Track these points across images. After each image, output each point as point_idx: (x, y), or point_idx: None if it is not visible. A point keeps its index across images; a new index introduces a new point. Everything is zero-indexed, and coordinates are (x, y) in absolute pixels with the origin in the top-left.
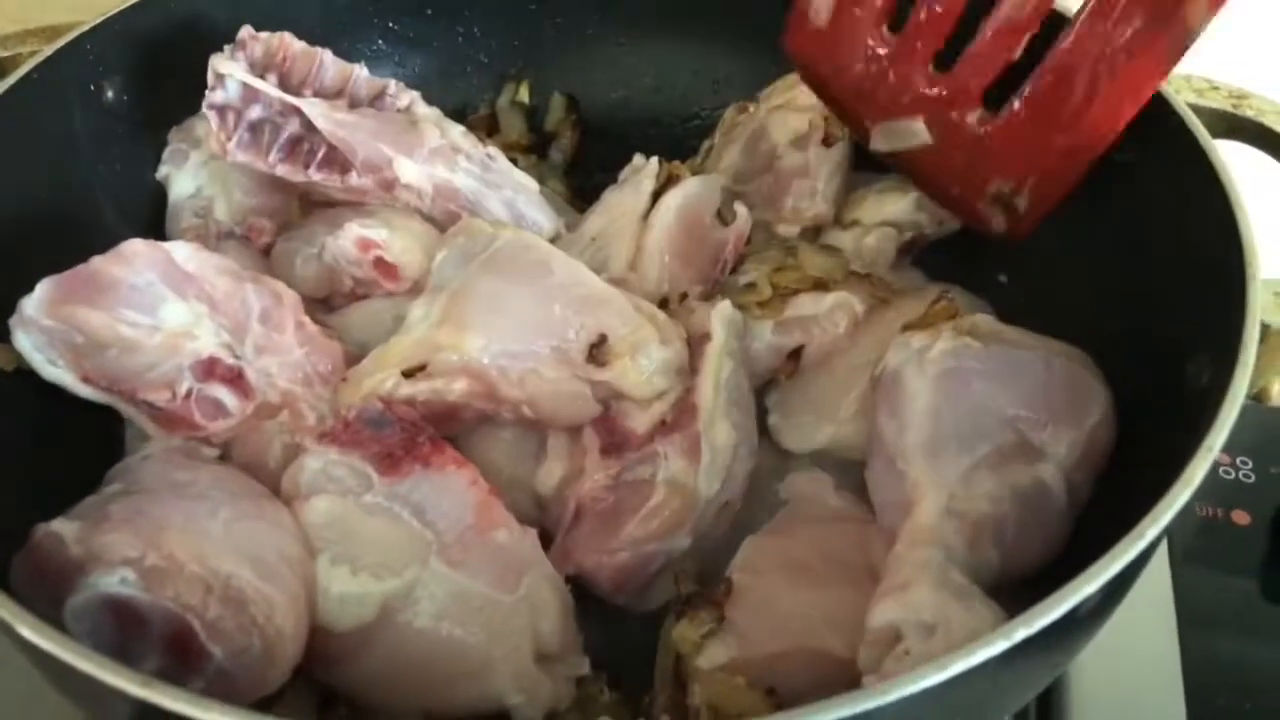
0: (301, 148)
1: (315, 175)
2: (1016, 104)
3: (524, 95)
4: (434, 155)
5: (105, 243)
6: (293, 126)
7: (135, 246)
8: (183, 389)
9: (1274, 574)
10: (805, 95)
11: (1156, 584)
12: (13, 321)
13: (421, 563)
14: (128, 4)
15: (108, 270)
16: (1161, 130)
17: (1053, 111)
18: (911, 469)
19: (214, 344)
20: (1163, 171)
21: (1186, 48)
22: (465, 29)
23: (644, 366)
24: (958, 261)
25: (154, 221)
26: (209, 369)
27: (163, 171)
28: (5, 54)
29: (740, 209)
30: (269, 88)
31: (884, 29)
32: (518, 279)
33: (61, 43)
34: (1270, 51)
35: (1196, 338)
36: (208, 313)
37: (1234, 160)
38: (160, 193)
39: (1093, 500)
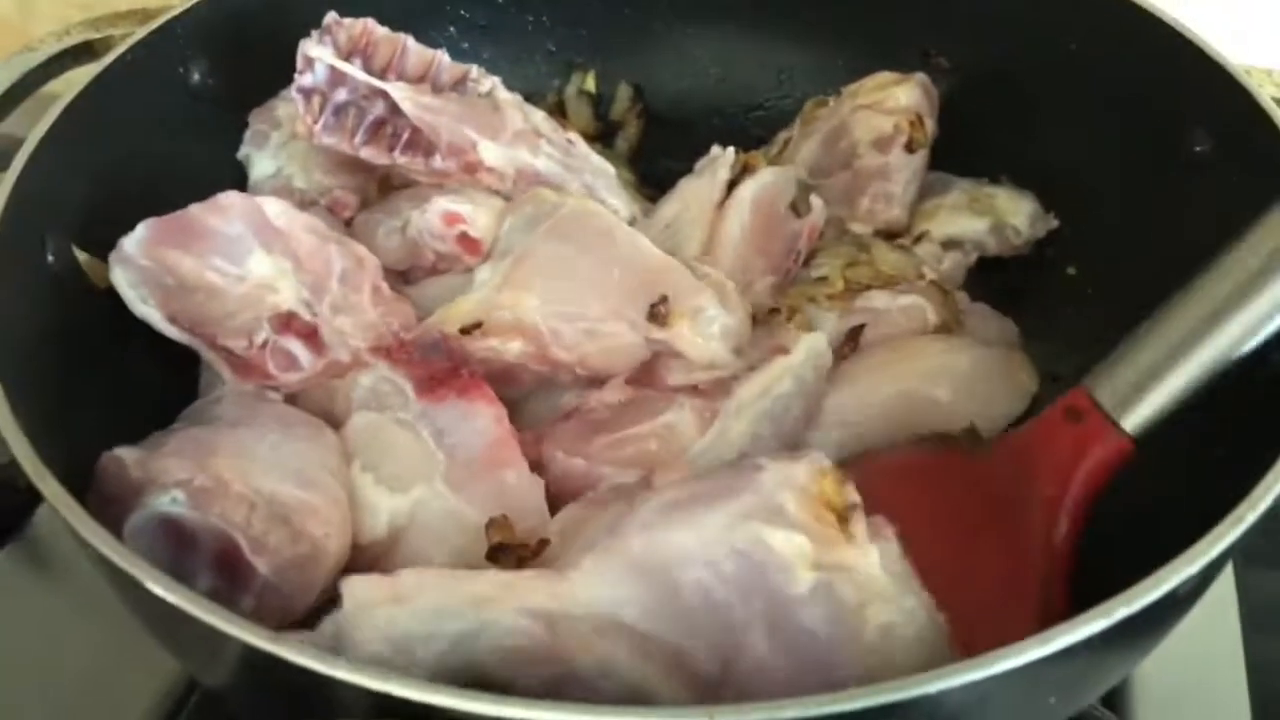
0: (386, 131)
1: (399, 158)
2: None
3: (590, 84)
4: (516, 139)
5: None
6: (378, 110)
7: (231, 198)
8: (259, 339)
9: None
10: (894, 98)
11: (1219, 583)
12: (112, 257)
13: (427, 481)
14: None
15: (203, 218)
16: (1241, 123)
17: None
18: None
19: (294, 299)
20: (1240, 164)
21: None
22: (535, 18)
23: (705, 328)
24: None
25: None
26: (286, 323)
27: (243, 152)
28: (98, 36)
29: (816, 201)
30: (356, 71)
31: None
32: (580, 245)
33: (154, 25)
34: None
35: None
36: (291, 268)
37: None
38: (244, 175)
39: (1188, 484)
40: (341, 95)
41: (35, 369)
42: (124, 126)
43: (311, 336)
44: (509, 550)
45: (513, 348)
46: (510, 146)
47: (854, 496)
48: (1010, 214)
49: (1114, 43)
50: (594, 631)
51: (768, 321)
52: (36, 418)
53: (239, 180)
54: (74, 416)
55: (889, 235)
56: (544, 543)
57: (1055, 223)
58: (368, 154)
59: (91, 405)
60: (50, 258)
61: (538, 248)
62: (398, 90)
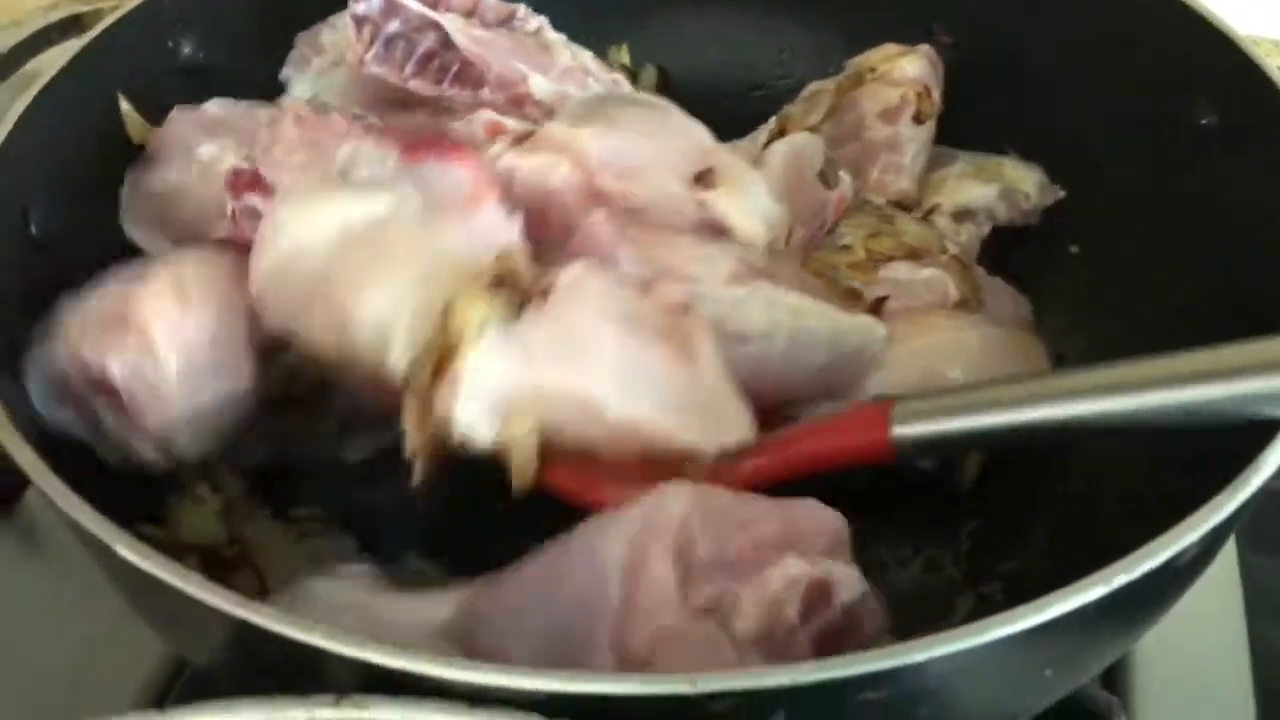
0: (434, 63)
1: (448, 90)
2: None
3: (625, 58)
4: (565, 75)
5: None
6: (428, 42)
7: (171, 115)
8: (229, 211)
9: None
10: (900, 69)
11: (1223, 568)
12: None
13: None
14: None
15: (154, 145)
16: (1248, 95)
17: None
18: None
19: (234, 159)
20: (1246, 137)
21: None
22: None
23: (748, 202)
24: (1027, 229)
25: None
26: (234, 182)
27: (285, 73)
28: (86, 9)
29: (844, 175)
30: (411, 1)
31: None
32: (638, 117)
33: None
34: None
35: None
36: (233, 144)
37: None
38: None
39: (1191, 452)
40: (394, 26)
41: (15, 340)
42: (112, 100)
43: (256, 183)
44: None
45: (560, 171)
46: (559, 82)
47: None
48: (1018, 181)
49: (1118, 14)
50: None
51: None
52: (15, 388)
53: None
54: None
55: (899, 207)
56: (544, 294)
57: (1062, 193)
58: (416, 85)
59: None
60: (33, 229)
61: (596, 115)
62: (451, 21)
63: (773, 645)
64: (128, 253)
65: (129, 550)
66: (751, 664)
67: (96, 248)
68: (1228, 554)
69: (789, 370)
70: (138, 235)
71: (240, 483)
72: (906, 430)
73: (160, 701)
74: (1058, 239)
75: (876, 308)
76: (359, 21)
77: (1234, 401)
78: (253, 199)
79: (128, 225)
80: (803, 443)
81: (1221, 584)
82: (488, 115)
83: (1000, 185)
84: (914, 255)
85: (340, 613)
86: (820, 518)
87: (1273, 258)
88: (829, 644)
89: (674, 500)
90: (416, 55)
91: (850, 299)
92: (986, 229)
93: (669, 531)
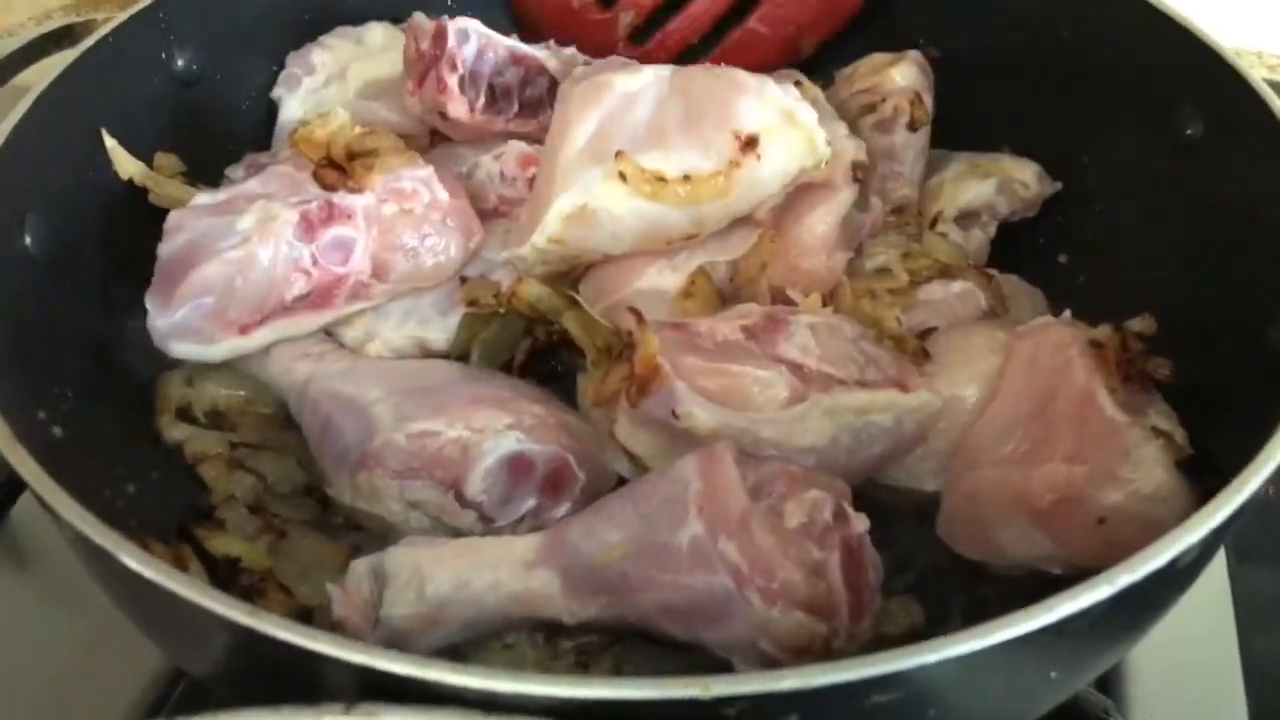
0: (512, 99)
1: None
2: None
3: None
4: None
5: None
6: (538, 88)
7: (173, 218)
8: (306, 261)
9: None
10: (890, 80)
11: (1214, 579)
12: (157, 341)
13: None
14: None
15: (172, 243)
16: (1232, 104)
17: None
18: None
19: (293, 206)
20: (1232, 146)
21: None
22: None
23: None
24: (1016, 242)
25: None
26: (305, 225)
27: (276, 93)
28: (79, 19)
29: (875, 200)
30: (514, 42)
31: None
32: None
33: (136, 9)
34: None
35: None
36: (274, 199)
37: None
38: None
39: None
40: (489, 68)
41: (11, 351)
42: (106, 111)
43: (332, 215)
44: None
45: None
46: None
47: None
48: (1015, 173)
49: (1105, 28)
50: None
51: (895, 348)
52: (12, 397)
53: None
54: (51, 396)
55: (896, 212)
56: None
57: (1059, 184)
58: (514, 125)
59: (69, 384)
60: (28, 239)
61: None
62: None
63: (812, 539)
64: (122, 267)
65: (132, 558)
66: (800, 553)
67: (91, 258)
68: (1218, 563)
69: (852, 462)
70: (186, 349)
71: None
72: None
73: (153, 715)
74: (1046, 253)
75: (924, 337)
76: (455, 71)
77: None
78: (330, 231)
79: (174, 345)
80: None
81: (1212, 592)
82: (520, 148)
83: (998, 179)
84: (946, 273)
85: (439, 548)
86: (831, 478)
87: (1259, 261)
88: (850, 570)
89: (721, 448)
90: (523, 99)
91: (897, 343)
92: (992, 229)
93: (727, 452)
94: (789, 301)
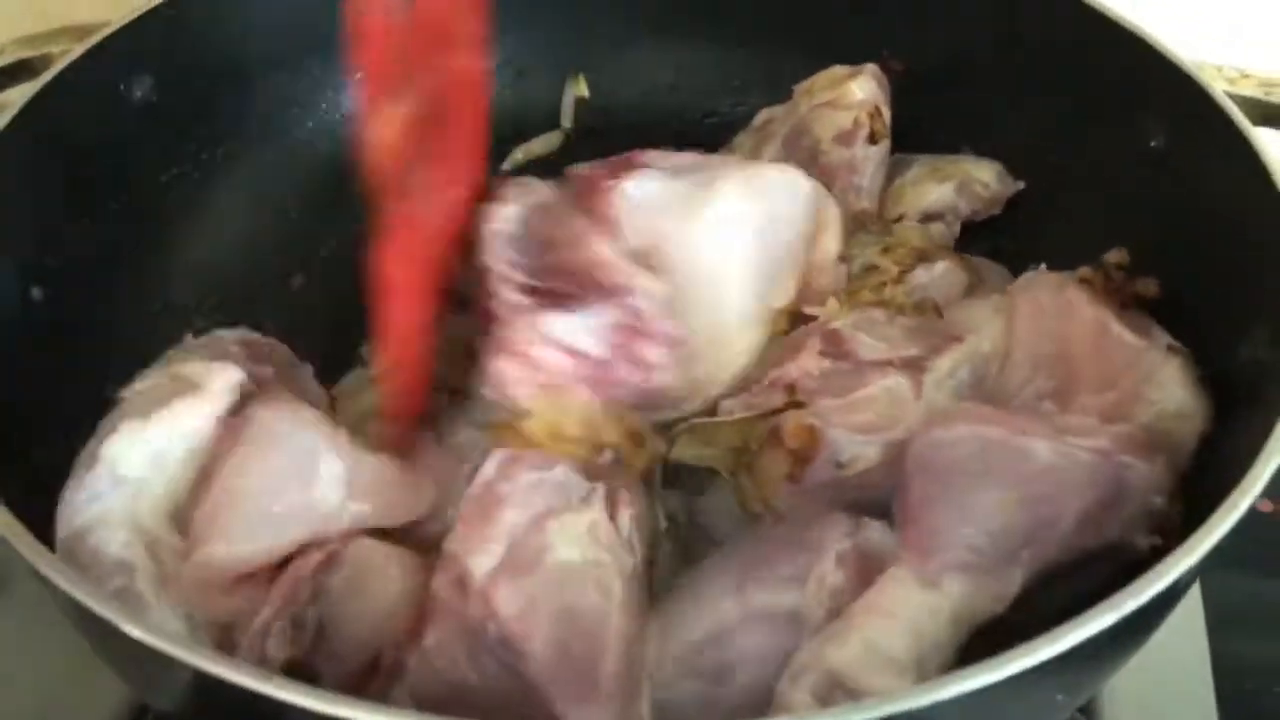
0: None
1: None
2: None
3: (583, 89)
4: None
5: (133, 239)
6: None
7: None
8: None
9: None
10: (849, 93)
11: None
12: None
13: None
14: (158, 1)
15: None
16: (1195, 115)
17: None
18: None
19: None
20: (1198, 155)
21: None
22: None
23: None
24: (992, 248)
25: (178, 223)
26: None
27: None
28: (35, 53)
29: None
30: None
31: None
32: None
33: (93, 41)
34: None
35: (1248, 314)
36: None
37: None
38: (184, 197)
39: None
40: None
41: None
42: (67, 147)
43: None
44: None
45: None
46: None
47: None
48: (975, 173)
49: (1069, 42)
50: None
51: (929, 320)
52: None
53: (188, 200)
54: (25, 442)
55: (858, 222)
56: None
57: (1021, 184)
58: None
59: (44, 431)
60: None
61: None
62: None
63: None
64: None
65: (96, 603)
66: None
67: (53, 296)
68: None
69: None
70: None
71: None
72: None
73: None
74: (1015, 264)
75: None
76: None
77: None
78: None
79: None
80: None
81: (1184, 600)
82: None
83: (956, 181)
84: (924, 257)
85: None
86: None
87: (1227, 275)
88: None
89: None
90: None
91: (918, 311)
92: (956, 228)
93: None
94: (809, 319)
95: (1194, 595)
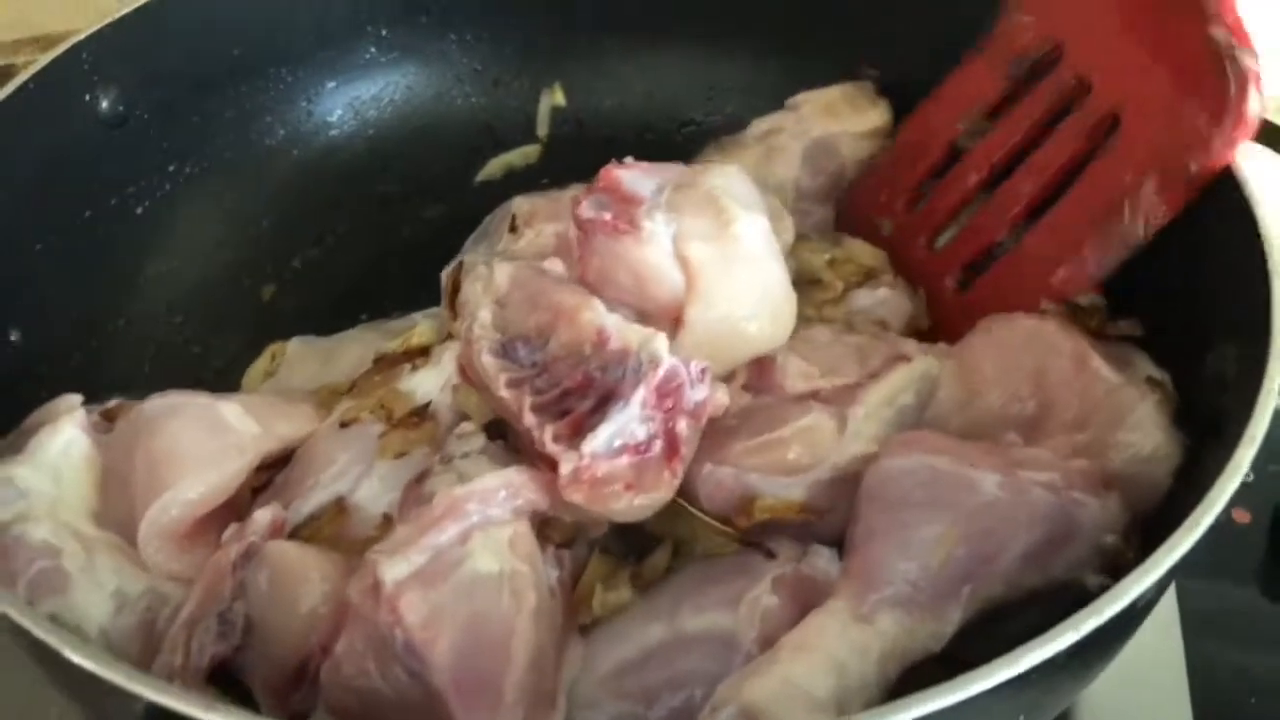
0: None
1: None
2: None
3: (560, 98)
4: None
5: (95, 251)
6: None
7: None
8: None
9: (1274, 573)
10: (871, 119)
11: None
12: None
13: None
14: (124, 11)
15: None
16: None
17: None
18: None
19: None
20: None
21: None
22: (458, 36)
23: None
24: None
25: (145, 232)
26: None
27: None
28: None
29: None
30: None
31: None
32: None
33: (58, 52)
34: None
35: (1216, 330)
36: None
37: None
38: (152, 208)
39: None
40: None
41: None
42: (31, 159)
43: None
44: None
45: None
46: None
47: None
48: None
49: None
50: None
51: (880, 335)
52: None
53: (157, 211)
54: None
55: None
56: None
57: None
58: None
59: None
60: None
61: None
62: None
63: None
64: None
65: (44, 632)
66: None
67: (18, 315)
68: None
69: None
70: None
71: None
72: None
73: None
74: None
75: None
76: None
77: None
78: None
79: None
80: None
81: (1160, 606)
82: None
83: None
84: (870, 276)
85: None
86: None
87: (1195, 284)
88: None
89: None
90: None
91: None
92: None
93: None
94: None
95: (1170, 603)
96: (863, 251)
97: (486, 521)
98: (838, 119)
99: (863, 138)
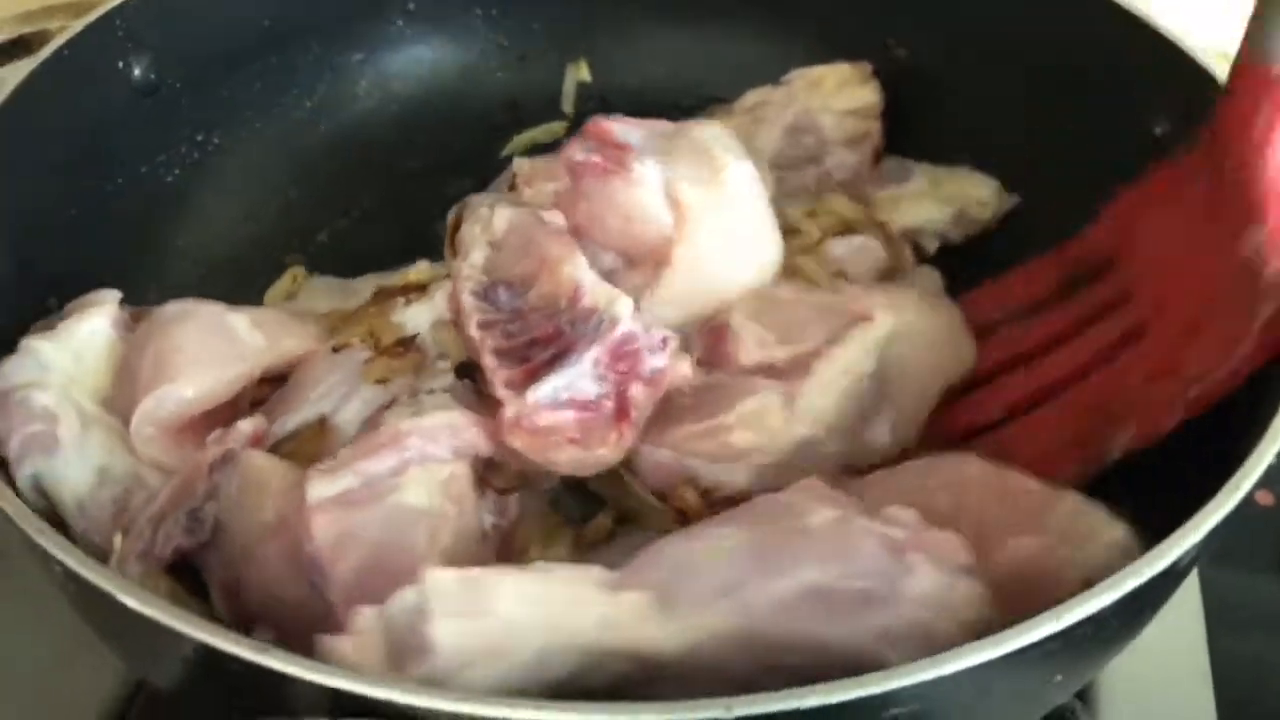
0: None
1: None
2: None
3: (585, 74)
4: None
5: (128, 221)
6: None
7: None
8: None
9: None
10: (860, 97)
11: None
12: None
13: None
14: None
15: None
16: (1199, 104)
17: None
18: None
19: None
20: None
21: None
22: (484, 11)
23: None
24: (970, 252)
25: (174, 202)
26: None
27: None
28: (31, 30)
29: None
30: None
31: None
32: None
33: (91, 18)
34: None
35: None
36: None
37: None
38: (181, 178)
39: (1179, 464)
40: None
41: None
42: (64, 126)
43: None
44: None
45: None
46: None
47: None
48: (974, 195)
49: (1072, 27)
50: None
51: (839, 288)
52: None
53: (185, 182)
54: None
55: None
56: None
57: (1017, 198)
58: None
59: None
60: None
61: None
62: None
63: None
64: (78, 289)
65: (93, 574)
66: None
67: (50, 284)
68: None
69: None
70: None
71: None
72: None
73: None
74: (1017, 251)
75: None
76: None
77: None
78: None
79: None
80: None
81: (1183, 595)
82: None
83: (957, 207)
84: (849, 228)
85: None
86: None
87: None
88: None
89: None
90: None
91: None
92: (933, 247)
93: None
94: None
95: (1193, 592)
96: (842, 205)
97: (425, 458)
98: (823, 96)
99: (846, 115)
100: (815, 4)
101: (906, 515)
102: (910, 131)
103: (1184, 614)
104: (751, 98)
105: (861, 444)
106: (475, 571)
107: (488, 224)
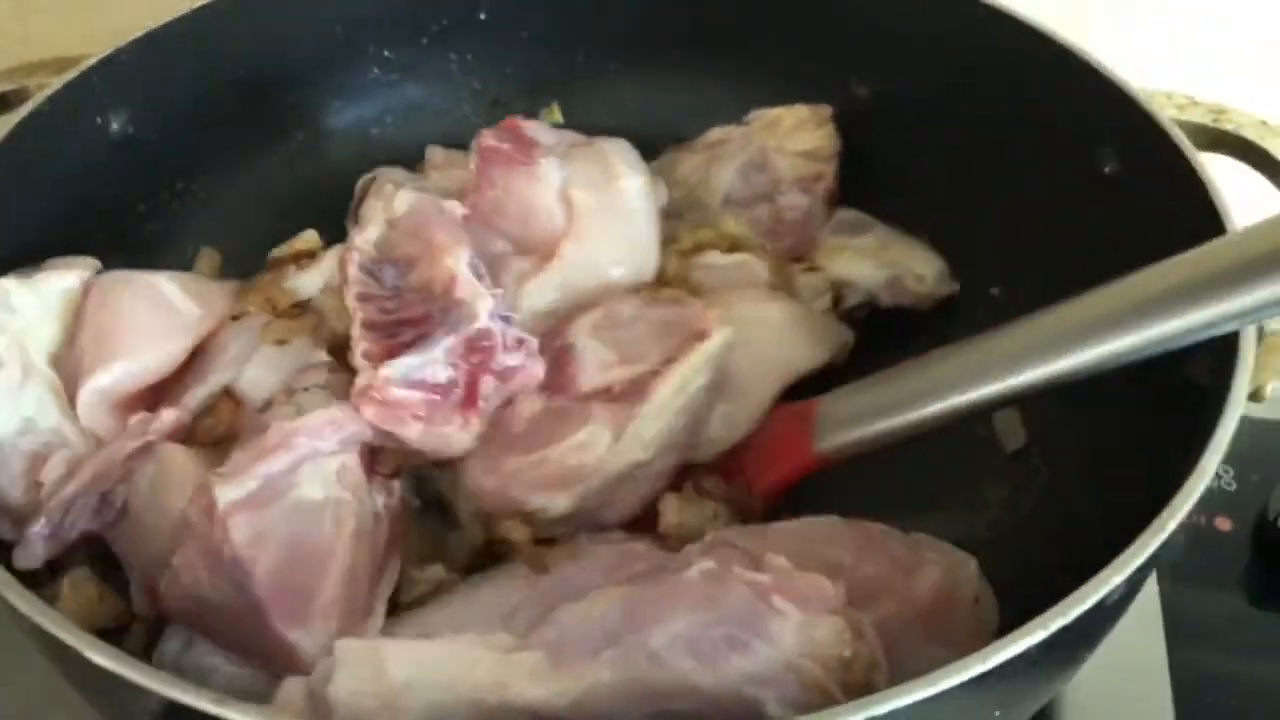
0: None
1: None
2: None
3: (558, 116)
4: None
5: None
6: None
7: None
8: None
9: (1256, 580)
10: (816, 139)
11: (1145, 598)
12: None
13: None
14: (135, 36)
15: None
16: (1144, 142)
17: None
18: None
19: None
20: (1147, 182)
21: None
22: (458, 56)
23: None
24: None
25: (153, 251)
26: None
27: None
28: (13, 87)
29: (660, 188)
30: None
31: None
32: None
33: (70, 75)
34: (1246, 67)
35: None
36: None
37: (1215, 172)
38: (158, 230)
39: (1111, 496)
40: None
41: None
42: (44, 179)
43: None
44: None
45: None
46: None
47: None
48: (915, 267)
49: (1022, 70)
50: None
51: (678, 300)
52: None
53: (167, 230)
54: None
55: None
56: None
57: (956, 285)
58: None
59: None
60: None
61: None
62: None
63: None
64: None
65: (61, 630)
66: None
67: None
68: (1148, 584)
69: (693, 437)
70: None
71: None
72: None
73: None
74: (979, 287)
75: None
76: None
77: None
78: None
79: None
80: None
81: (1142, 612)
82: None
83: (891, 272)
84: (735, 247)
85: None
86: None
87: None
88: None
89: None
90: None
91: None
92: (854, 301)
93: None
94: None
95: (1153, 607)
96: (731, 225)
97: (315, 453)
98: (779, 136)
99: (800, 156)
100: (780, 49)
101: (778, 561)
102: (863, 176)
103: (1145, 630)
104: (714, 135)
105: (696, 442)
106: (378, 641)
107: (389, 202)
